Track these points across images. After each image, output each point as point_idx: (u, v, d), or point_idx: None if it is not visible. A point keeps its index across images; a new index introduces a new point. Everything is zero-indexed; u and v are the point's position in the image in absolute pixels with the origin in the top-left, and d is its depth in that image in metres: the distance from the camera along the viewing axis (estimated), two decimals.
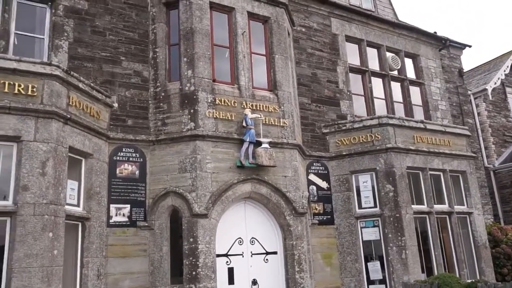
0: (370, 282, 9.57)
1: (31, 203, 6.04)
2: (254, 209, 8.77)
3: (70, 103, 6.88)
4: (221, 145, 8.35)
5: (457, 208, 10.72)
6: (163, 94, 8.52)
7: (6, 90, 6.20)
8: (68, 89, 6.86)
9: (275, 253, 8.69)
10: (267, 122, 8.96)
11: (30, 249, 5.88)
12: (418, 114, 12.81)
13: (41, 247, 5.96)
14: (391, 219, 9.53)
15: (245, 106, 8.76)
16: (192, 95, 8.31)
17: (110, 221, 7.60)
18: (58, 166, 6.45)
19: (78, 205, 7.05)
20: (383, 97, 12.38)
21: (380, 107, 12.08)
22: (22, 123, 6.23)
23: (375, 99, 12.08)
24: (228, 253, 8.21)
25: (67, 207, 6.61)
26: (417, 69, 13.55)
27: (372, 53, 12.66)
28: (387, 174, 9.80)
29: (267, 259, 8.57)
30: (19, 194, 6.01)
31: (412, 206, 9.79)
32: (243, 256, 8.34)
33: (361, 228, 9.87)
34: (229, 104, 8.61)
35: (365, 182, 10.16)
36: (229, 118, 8.56)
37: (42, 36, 8.08)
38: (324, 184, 10.25)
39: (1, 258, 5.83)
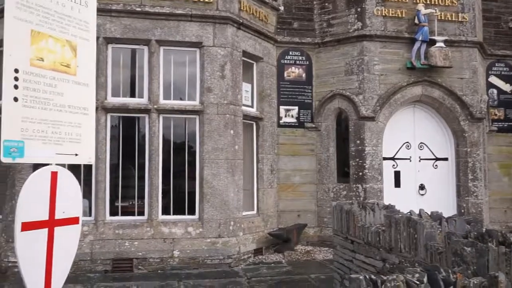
0: None
1: (215, 103, 6.70)
2: (423, 113, 8.29)
3: (242, 7, 7.14)
4: (390, 45, 7.86)
5: None
6: None
7: None
8: None
9: (445, 159, 8.26)
10: (442, 18, 8.03)
11: (216, 143, 6.66)
12: None
13: (224, 142, 6.70)
14: None
15: (418, 1, 7.93)
16: None
17: (280, 121, 8.06)
18: (234, 69, 6.93)
19: (252, 106, 7.60)
20: None
21: None
22: (202, 30, 6.74)
23: None
24: (395, 157, 8.09)
25: (243, 107, 7.19)
26: None
27: None
28: None
29: (436, 165, 8.22)
30: (204, 95, 6.70)
31: None
32: (410, 161, 8.14)
33: None
34: None
35: None
36: (399, 15, 7.90)
37: None
38: (507, 87, 9.05)
39: (195, 150, 6.76)
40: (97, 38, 6.16)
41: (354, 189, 7.74)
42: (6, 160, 2.84)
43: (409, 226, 3.97)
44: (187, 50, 6.84)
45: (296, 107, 8.13)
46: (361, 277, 2.03)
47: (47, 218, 3.07)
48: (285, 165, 8.07)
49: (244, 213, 7.13)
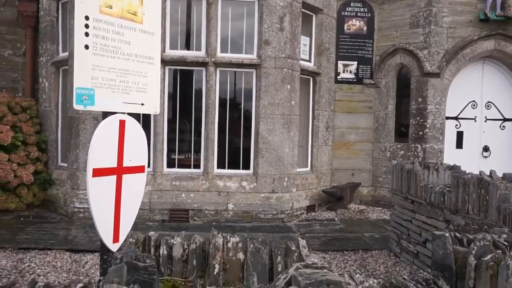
0: None
1: (272, 56, 6.53)
2: (494, 70, 7.71)
3: None
4: None
5: None
6: None
7: None
8: None
9: None
10: None
11: (273, 98, 6.55)
12: None
13: (281, 97, 6.57)
14: None
15: None
16: None
17: (338, 77, 7.79)
18: (293, 21, 6.67)
19: (309, 61, 7.36)
20: None
21: None
22: None
23: None
24: (459, 116, 7.66)
25: (301, 62, 6.97)
26: None
27: None
28: None
29: (503, 126, 7.72)
30: (261, 49, 6.54)
31: None
32: (475, 121, 7.69)
33: None
34: None
35: None
36: None
37: None
38: None
39: (251, 105, 6.70)
40: None
41: (413, 149, 7.46)
42: (78, 107, 2.89)
43: (480, 187, 3.76)
44: (246, 1, 6.63)
45: (355, 63, 7.80)
46: (446, 234, 1.91)
47: (115, 166, 3.14)
48: (340, 122, 7.87)
49: (298, 170, 7.08)
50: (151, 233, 2.22)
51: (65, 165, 6.84)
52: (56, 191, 6.75)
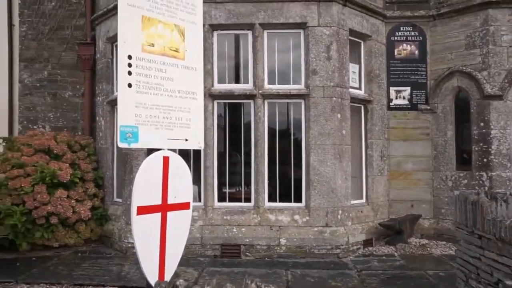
0: None
1: (320, 86, 6.42)
2: None
3: None
4: None
5: None
6: None
7: None
8: None
9: None
10: None
11: (323, 128, 6.38)
12: None
13: (331, 127, 6.39)
14: None
15: None
16: None
17: (390, 104, 7.49)
18: (341, 49, 6.55)
19: (359, 88, 7.16)
20: None
21: None
22: (306, 9, 6.46)
23: None
24: None
25: (350, 90, 6.79)
26: None
27: None
28: None
29: None
30: (309, 78, 6.45)
31: None
32: None
33: None
34: None
35: None
36: None
37: None
38: None
39: (300, 136, 6.57)
40: (203, 25, 6.25)
41: (477, 177, 6.92)
42: (122, 145, 2.91)
43: None
44: (291, 32, 6.63)
45: (408, 88, 7.48)
46: None
47: (160, 203, 3.11)
48: (396, 151, 7.50)
49: (352, 202, 6.78)
50: (180, 281, 2.10)
51: (120, 200, 6.99)
52: (112, 226, 6.88)
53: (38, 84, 8.12)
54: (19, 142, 6.85)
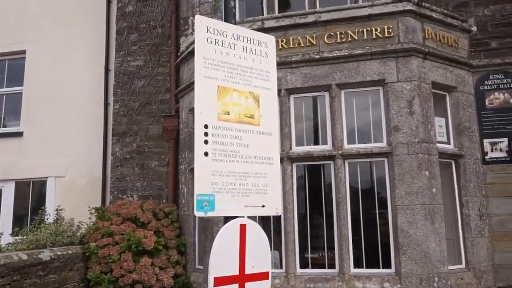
0: None
1: (404, 143, 6.08)
2: None
3: (426, 36, 6.50)
4: None
5: None
6: None
7: (365, 37, 6.42)
8: (422, 22, 6.50)
9: None
10: None
11: (410, 187, 5.95)
12: None
13: (419, 185, 5.94)
14: None
15: None
16: None
17: (486, 157, 6.85)
18: (424, 103, 6.23)
19: (448, 142, 6.67)
20: None
21: None
22: (384, 66, 6.32)
23: None
24: None
25: (438, 145, 6.35)
26: None
27: None
28: None
29: None
30: (391, 135, 6.15)
31: None
32: None
33: None
34: None
35: None
36: None
37: None
38: None
39: (385, 196, 6.17)
40: (279, 90, 6.35)
41: None
42: (199, 214, 2.87)
43: None
44: (369, 90, 6.48)
45: (505, 139, 6.82)
46: None
47: (237, 273, 2.97)
48: (497, 209, 6.73)
49: (449, 267, 6.09)
50: None
51: (202, 267, 6.95)
52: None
53: (128, 156, 8.67)
54: (109, 212, 7.22)
